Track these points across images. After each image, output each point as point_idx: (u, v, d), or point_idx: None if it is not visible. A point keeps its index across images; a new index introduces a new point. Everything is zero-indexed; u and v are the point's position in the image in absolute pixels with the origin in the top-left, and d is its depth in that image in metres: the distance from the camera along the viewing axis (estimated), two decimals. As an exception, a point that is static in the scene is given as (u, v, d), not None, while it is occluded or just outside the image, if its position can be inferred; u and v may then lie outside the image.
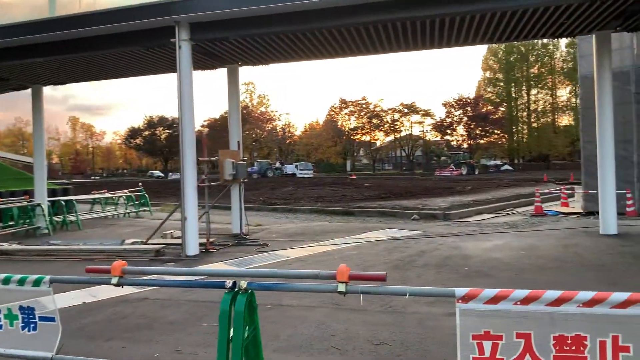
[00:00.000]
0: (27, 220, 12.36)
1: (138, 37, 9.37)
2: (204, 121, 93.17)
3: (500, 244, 8.80)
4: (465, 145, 69.01)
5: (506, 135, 67.04)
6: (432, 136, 74.20)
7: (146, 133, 77.99)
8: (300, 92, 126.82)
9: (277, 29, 8.89)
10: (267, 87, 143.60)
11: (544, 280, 6.07)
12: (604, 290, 5.76)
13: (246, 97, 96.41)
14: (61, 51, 10.16)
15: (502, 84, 71.50)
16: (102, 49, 9.92)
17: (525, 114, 70.07)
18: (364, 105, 76.85)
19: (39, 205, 12.47)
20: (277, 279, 3.17)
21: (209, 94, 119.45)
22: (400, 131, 76.25)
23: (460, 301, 2.58)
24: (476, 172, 46.07)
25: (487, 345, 2.58)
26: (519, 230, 10.56)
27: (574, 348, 2.46)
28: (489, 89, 72.38)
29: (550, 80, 68.07)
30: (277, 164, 64.52)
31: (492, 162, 61.45)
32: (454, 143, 71.23)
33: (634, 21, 8.59)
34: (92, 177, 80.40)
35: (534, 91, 69.72)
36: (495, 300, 2.57)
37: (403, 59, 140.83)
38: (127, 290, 6.51)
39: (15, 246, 9.68)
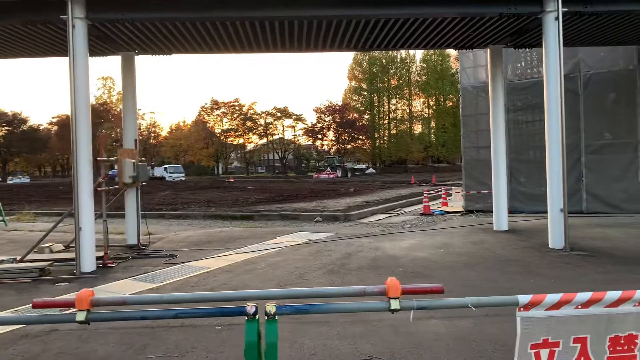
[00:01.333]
0: None
1: (16, 10, 7.67)
2: (53, 118, 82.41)
3: (415, 243, 9.23)
4: (334, 150, 72.40)
5: (369, 141, 72.03)
6: (304, 140, 76.36)
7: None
8: (165, 90, 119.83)
9: (185, 15, 8.12)
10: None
11: (478, 278, 6.46)
12: (536, 282, 6.21)
13: (104, 93, 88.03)
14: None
15: (365, 93, 76.80)
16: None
17: (386, 121, 76.16)
18: (237, 107, 75.67)
19: None
20: (314, 299, 2.72)
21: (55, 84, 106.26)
22: (274, 135, 76.90)
23: (522, 309, 2.47)
24: (349, 175, 48.57)
25: (544, 353, 2.52)
26: (422, 230, 11.24)
27: (626, 347, 2.52)
28: (354, 97, 77.07)
29: (407, 91, 75.20)
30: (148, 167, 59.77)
31: (358, 166, 65.49)
32: (325, 147, 74.15)
33: (521, 40, 9.77)
34: None
35: (393, 101, 76.28)
36: (557, 305, 2.52)
37: (275, 63, 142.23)
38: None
39: None
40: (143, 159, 10.74)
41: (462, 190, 14.89)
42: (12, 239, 11.60)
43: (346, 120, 68.21)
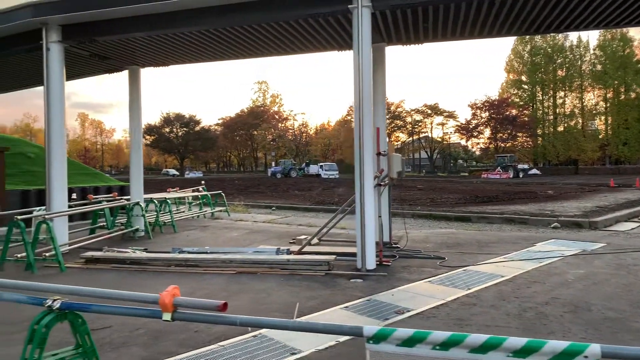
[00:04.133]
0: (127, 222, 10.71)
1: (300, 4, 7.75)
2: (219, 119, 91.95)
3: None
4: (492, 148, 67.41)
5: (531, 139, 65.47)
6: (456, 138, 72.82)
7: (163, 130, 76.28)
8: (309, 91, 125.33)
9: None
10: (280, 85, 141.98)
11: None
12: None
13: (259, 96, 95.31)
14: (164, 25, 8.66)
15: (526, 86, 70.13)
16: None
17: (551, 117, 68.60)
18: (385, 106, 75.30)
19: (137, 204, 10.83)
20: None
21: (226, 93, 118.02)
22: (421, 133, 74.85)
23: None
24: (520, 175, 44.57)
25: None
26: None
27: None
28: (512, 91, 70.94)
29: (577, 82, 66.59)
30: (303, 164, 62.91)
31: (520, 167, 59.93)
32: (481, 145, 69.56)
33: None
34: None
35: (560, 93, 68.27)
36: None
37: (423, 58, 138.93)
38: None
39: (143, 254, 8.05)
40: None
41: None
42: (252, 229, 12.27)
43: (506, 116, 63.01)
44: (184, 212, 15.32)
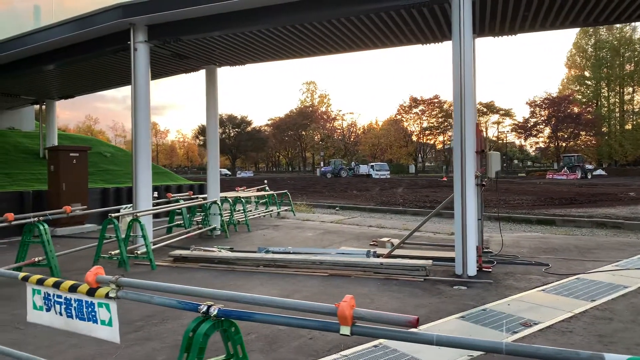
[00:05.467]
0: (205, 221, 10.75)
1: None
2: (269, 120, 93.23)
3: None
4: (552, 148, 64.17)
5: (594, 138, 61.77)
6: (512, 137, 69.97)
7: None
8: (356, 91, 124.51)
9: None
10: (327, 85, 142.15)
11: None
12: None
13: (307, 97, 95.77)
14: (244, 22, 8.52)
15: (589, 82, 66.30)
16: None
17: (617, 114, 64.50)
18: (437, 104, 73.55)
19: (214, 203, 10.84)
20: None
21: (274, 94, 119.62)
22: (475, 132, 72.45)
23: None
24: (588, 176, 42.09)
25: None
26: None
27: None
28: (573, 87, 67.27)
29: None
30: (352, 164, 62.50)
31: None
32: (541, 145, 66.44)
33: None
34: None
35: (629, 89, 63.99)
36: None
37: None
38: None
39: (230, 253, 7.95)
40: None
41: None
42: (325, 229, 12.01)
43: (568, 113, 59.78)
44: (250, 210, 15.33)
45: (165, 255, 8.31)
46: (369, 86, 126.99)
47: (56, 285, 3.30)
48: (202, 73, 11.42)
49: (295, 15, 8.11)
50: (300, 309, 2.51)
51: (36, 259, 6.91)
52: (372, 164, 60.13)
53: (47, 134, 15.34)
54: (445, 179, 43.79)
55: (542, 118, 62.98)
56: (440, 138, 75.26)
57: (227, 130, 79.20)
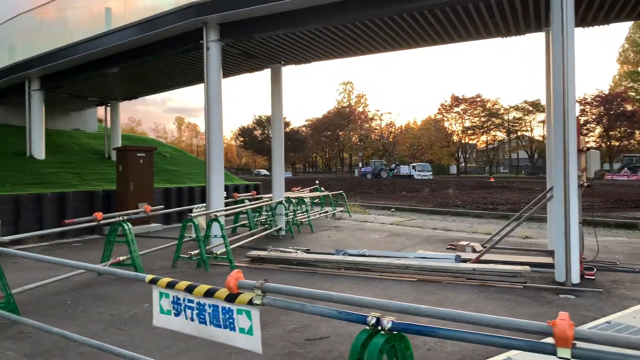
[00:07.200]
0: (271, 221, 10.61)
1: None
2: (306, 121, 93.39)
3: None
4: (596, 147, 61.15)
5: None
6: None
7: (255, 132, 79.00)
8: (392, 91, 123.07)
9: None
10: (362, 85, 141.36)
11: None
12: None
13: (344, 97, 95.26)
14: (312, 20, 8.26)
15: (645, 78, 62.73)
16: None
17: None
18: (479, 103, 71.54)
19: (280, 203, 10.68)
20: None
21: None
22: (519, 131, 69.97)
23: None
24: (650, 177, 39.89)
25: None
26: None
27: None
28: (627, 84, 63.81)
29: None
30: (394, 165, 61.67)
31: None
32: (592, 144, 63.38)
33: None
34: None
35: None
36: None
37: (522, 52, 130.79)
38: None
39: (306, 255, 7.73)
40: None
41: None
42: (391, 231, 11.65)
43: (621, 111, 56.77)
44: (307, 211, 15.13)
45: (239, 255, 8.18)
46: (404, 86, 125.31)
47: (189, 289, 3.12)
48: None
49: (375, 10, 7.81)
50: (501, 326, 2.19)
51: (121, 258, 6.90)
52: (413, 164, 59.08)
53: (111, 135, 15.70)
54: (492, 179, 42.41)
55: (593, 116, 60.09)
56: (484, 138, 73.13)
57: (265, 131, 79.84)
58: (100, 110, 17.97)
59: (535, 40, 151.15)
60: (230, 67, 11.03)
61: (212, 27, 8.98)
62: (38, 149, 13.45)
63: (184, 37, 9.58)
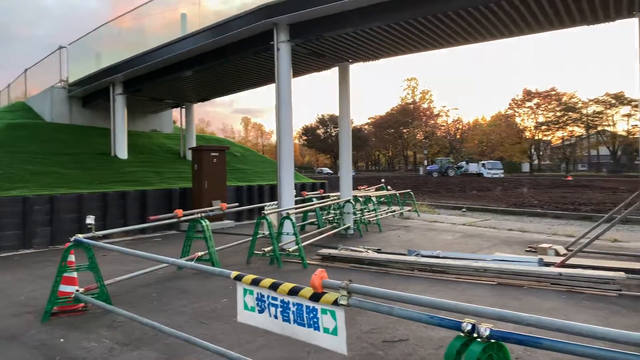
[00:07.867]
0: (339, 219, 10.62)
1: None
2: (369, 119, 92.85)
3: None
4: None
5: None
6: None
7: (318, 131, 79.74)
8: (456, 87, 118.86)
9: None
10: (427, 81, 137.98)
11: None
12: None
13: (408, 93, 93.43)
14: (382, 16, 8.03)
15: None
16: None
17: None
18: (554, 97, 67.30)
19: (348, 202, 10.65)
20: None
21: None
22: (599, 126, 64.91)
23: None
24: None
25: None
26: None
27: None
28: None
29: None
30: (462, 162, 59.69)
31: None
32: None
33: None
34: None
35: None
36: None
37: (600, 43, 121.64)
38: None
39: (378, 255, 7.63)
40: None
41: None
42: (464, 232, 11.24)
43: None
44: (374, 210, 14.99)
45: (309, 253, 8.24)
46: (472, 81, 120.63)
47: (273, 286, 3.14)
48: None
49: (446, 4, 7.53)
50: (618, 341, 1.98)
51: (200, 254, 7.19)
52: (483, 162, 56.75)
53: (186, 135, 16.52)
54: (570, 178, 39.71)
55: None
56: (559, 134, 68.69)
57: (328, 130, 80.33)
58: (175, 112, 18.95)
59: (612, 29, 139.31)
60: (299, 67, 11.15)
61: (282, 28, 9.11)
62: (121, 149, 14.41)
63: (254, 39, 9.81)
